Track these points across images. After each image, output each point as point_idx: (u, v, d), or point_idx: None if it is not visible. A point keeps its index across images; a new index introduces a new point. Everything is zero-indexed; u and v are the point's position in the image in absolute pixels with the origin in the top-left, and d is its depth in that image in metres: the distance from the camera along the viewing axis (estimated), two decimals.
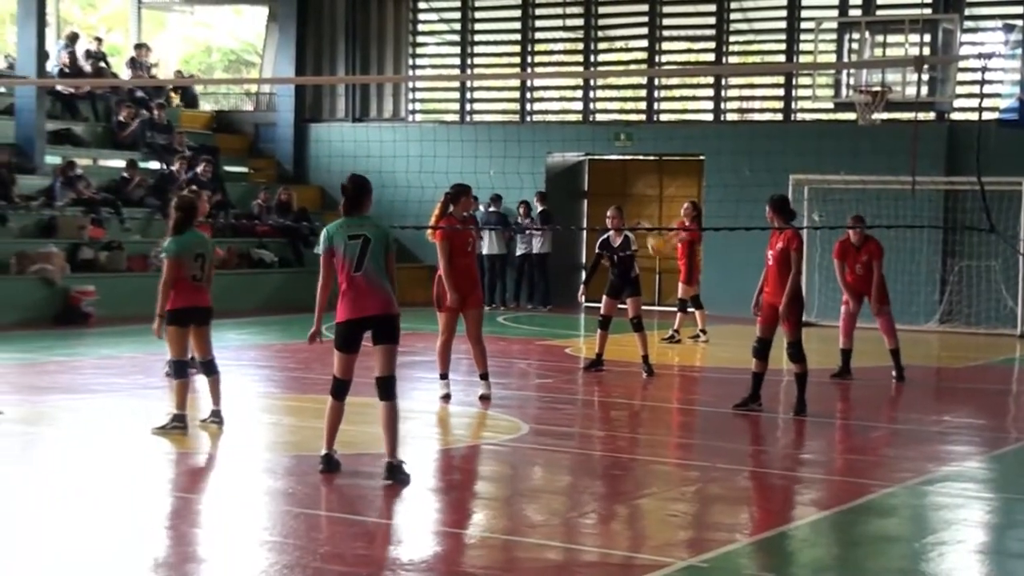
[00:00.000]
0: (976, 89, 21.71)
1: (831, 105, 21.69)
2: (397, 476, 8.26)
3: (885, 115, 19.97)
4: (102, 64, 24.55)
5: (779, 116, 23.00)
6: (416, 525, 7.59)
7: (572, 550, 7.08)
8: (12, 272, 18.57)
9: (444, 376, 11.86)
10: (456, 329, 11.78)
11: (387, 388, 8.37)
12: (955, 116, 21.31)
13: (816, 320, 19.20)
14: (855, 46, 20.82)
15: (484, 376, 11.86)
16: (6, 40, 26.06)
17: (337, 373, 8.51)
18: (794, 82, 22.77)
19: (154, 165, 23.10)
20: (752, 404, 11.45)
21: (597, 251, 14.22)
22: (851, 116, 20.79)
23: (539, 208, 23.14)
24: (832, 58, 21.05)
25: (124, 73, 25.27)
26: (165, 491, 8.37)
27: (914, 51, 19.72)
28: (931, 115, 21.09)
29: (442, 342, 11.80)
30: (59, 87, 22.78)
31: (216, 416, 10.17)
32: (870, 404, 12.89)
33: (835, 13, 21.79)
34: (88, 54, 24.36)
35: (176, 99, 26.10)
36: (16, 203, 19.64)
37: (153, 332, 10.12)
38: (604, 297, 14.04)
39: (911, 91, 19.33)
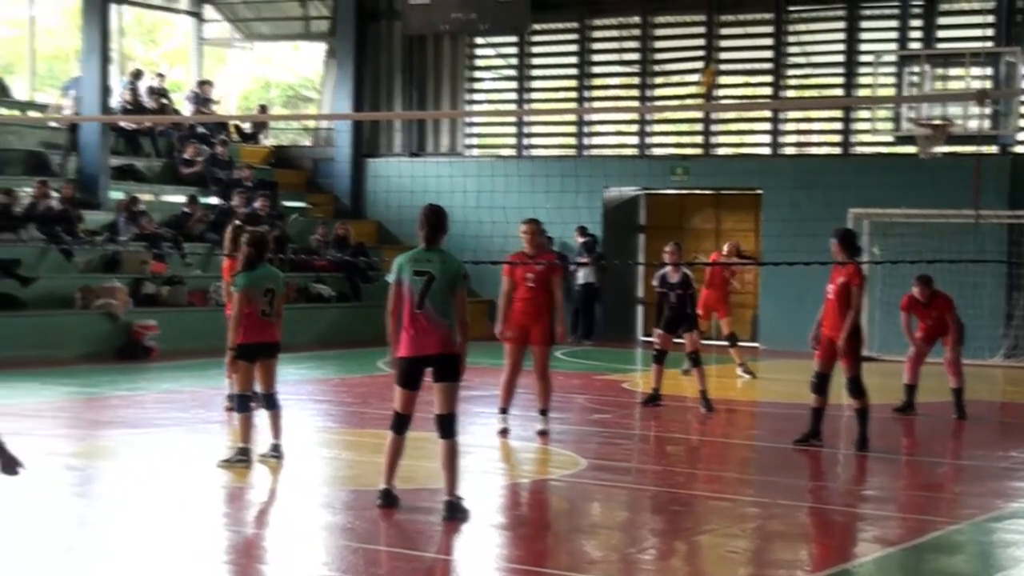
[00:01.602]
0: None
1: (891, 138, 21.54)
2: (456, 514, 8.23)
3: (947, 148, 19.82)
4: (164, 100, 24.88)
5: (838, 149, 22.87)
6: (475, 561, 7.56)
7: None
8: (77, 306, 18.80)
9: (503, 411, 11.82)
10: (521, 364, 11.74)
11: (446, 426, 8.33)
12: (1018, 149, 21.08)
13: (877, 355, 18.99)
14: (915, 79, 20.69)
15: (544, 412, 11.80)
16: (70, 77, 26.47)
17: (397, 408, 8.49)
18: (853, 115, 22.64)
19: (213, 200, 23.34)
20: (812, 440, 11.33)
21: (656, 288, 14.17)
22: (912, 149, 20.66)
23: (579, 241, 23.08)
24: (892, 91, 20.93)
25: (185, 109, 25.59)
26: (225, 525, 8.39)
27: (976, 84, 19.57)
28: (994, 148, 20.87)
29: (505, 376, 11.78)
30: (122, 123, 23.10)
31: (276, 450, 10.21)
32: (934, 440, 12.73)
33: (895, 46, 21.67)
34: (151, 90, 24.70)
35: (235, 134, 26.39)
36: (81, 238, 19.90)
37: (225, 366, 10.13)
38: (660, 331, 13.98)
39: (973, 124, 19.18)
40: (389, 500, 8.48)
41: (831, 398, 11.52)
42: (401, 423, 8.49)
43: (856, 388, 11.20)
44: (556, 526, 8.61)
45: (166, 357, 18.35)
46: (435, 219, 8.42)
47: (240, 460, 9.90)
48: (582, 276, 23.11)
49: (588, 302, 23.28)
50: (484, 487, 9.65)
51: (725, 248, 18.27)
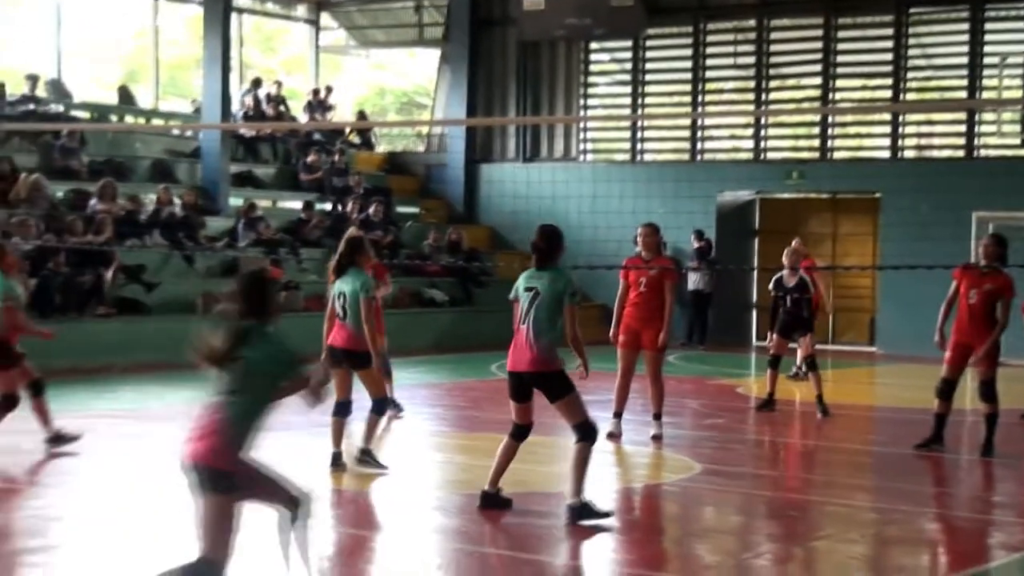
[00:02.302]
0: None
1: (1018, 141, 21.03)
2: (578, 517, 8.07)
3: None
4: (282, 107, 25.29)
5: (960, 152, 22.38)
6: (588, 565, 7.53)
7: None
8: (198, 312, 19.16)
9: (617, 415, 11.78)
10: (633, 368, 11.71)
11: (579, 431, 8.16)
12: None
13: (1004, 359, 18.50)
14: None
15: (657, 416, 11.74)
16: (192, 85, 27.07)
17: (514, 418, 8.44)
18: (977, 118, 22.14)
19: (328, 206, 23.64)
20: (934, 445, 11.09)
21: (772, 292, 14.04)
22: None
23: (695, 245, 22.86)
24: (1018, 94, 20.44)
25: (302, 116, 25.98)
26: (338, 527, 8.47)
27: None
28: None
29: (617, 380, 11.74)
30: (242, 130, 23.54)
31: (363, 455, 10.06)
32: None
33: (1021, 48, 21.14)
34: (269, 98, 25.14)
35: (354, 138, 26.72)
36: (202, 244, 20.30)
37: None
38: (775, 336, 13.82)
39: None
40: (488, 501, 8.44)
41: (954, 403, 11.26)
42: (519, 432, 8.43)
43: (990, 392, 10.90)
44: (670, 531, 8.55)
45: None
46: (544, 243, 8.45)
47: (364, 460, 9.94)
48: (693, 282, 22.91)
49: (700, 307, 23.09)
50: (597, 491, 9.60)
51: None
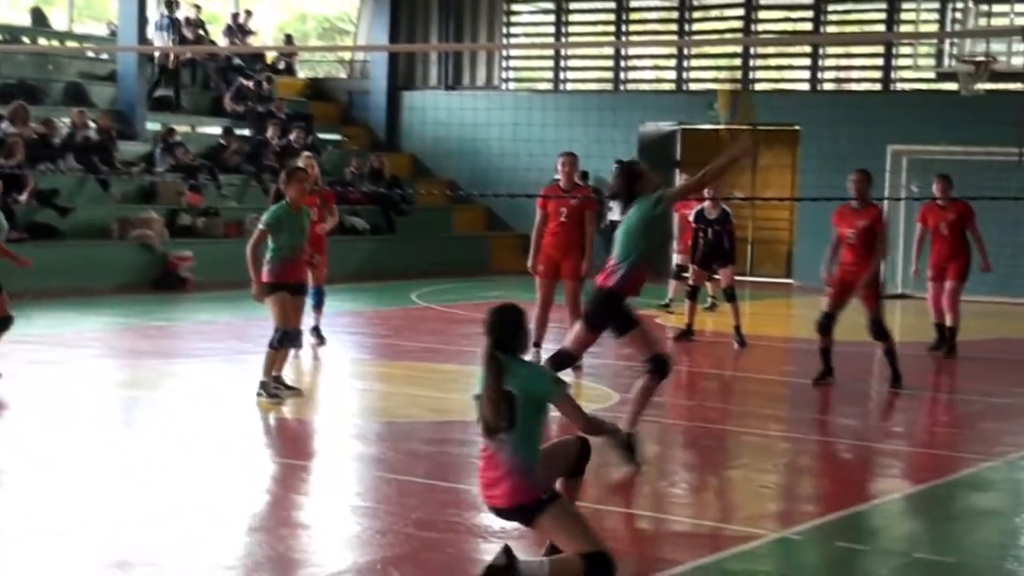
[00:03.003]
0: None
1: (933, 75, 21.25)
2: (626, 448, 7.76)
3: (989, 85, 19.53)
4: (201, 32, 24.82)
5: (878, 86, 22.59)
6: None
7: (661, 520, 7.05)
8: (114, 237, 18.91)
9: (536, 345, 11.82)
10: (552, 298, 11.73)
11: (657, 364, 7.97)
12: None
13: (912, 292, 18.87)
14: (958, 15, 20.37)
15: None
16: (108, 7, 26.46)
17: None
18: (894, 51, 22.33)
19: (247, 132, 23.34)
20: (828, 378, 11.19)
21: (693, 224, 14.14)
22: (953, 86, 20.38)
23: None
24: (935, 27, 20.62)
25: (222, 40, 25.54)
26: (260, 456, 8.47)
27: (1020, 20, 19.25)
28: None
29: (536, 311, 11.76)
30: (159, 55, 23.08)
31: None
32: (972, 378, 12.65)
33: None
34: (187, 21, 24.65)
35: (280, 64, 26.32)
36: (118, 169, 19.98)
37: None
38: (694, 267, 13.96)
39: (1017, 61, 18.88)
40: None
41: (861, 336, 11.45)
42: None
43: (879, 330, 11.05)
44: (590, 461, 8.63)
45: (201, 288, 18.47)
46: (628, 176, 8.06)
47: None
48: (614, 213, 22.91)
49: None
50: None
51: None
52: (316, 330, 12.87)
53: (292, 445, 9.01)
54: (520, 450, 5.49)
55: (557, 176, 12.00)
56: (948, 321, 13.21)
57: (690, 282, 13.99)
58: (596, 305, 8.02)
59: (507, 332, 5.56)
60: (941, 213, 13.24)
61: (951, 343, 13.15)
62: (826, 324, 11.16)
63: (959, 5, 20.35)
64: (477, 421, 5.59)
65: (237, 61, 24.83)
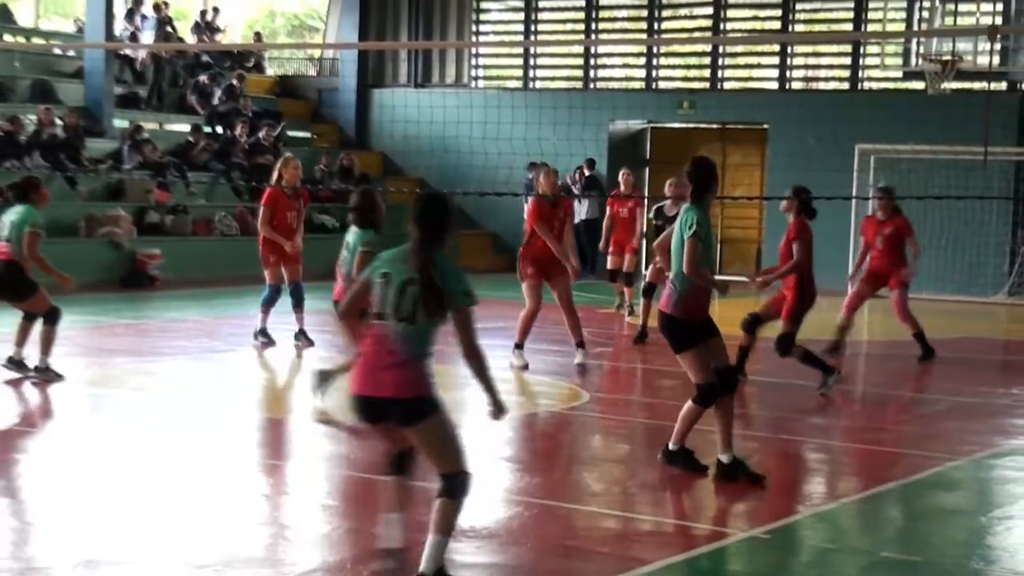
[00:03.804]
0: None
1: (900, 74, 21.39)
2: (733, 473, 7.69)
3: (956, 84, 19.68)
4: (169, 28, 24.71)
5: (846, 85, 22.72)
6: (479, 492, 7.60)
7: (631, 519, 7.08)
8: (81, 235, 18.80)
9: (519, 346, 11.85)
10: (541, 299, 11.86)
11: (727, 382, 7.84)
12: None
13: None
14: (925, 14, 20.51)
15: (580, 344, 11.96)
16: (75, 3, 26.31)
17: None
18: (862, 51, 22.47)
19: (218, 130, 23.25)
20: (740, 376, 11.01)
21: (652, 220, 14.16)
22: (920, 85, 20.53)
23: (586, 174, 22.93)
24: (902, 26, 20.76)
25: (189, 37, 25.43)
26: (230, 455, 8.45)
27: (986, 20, 19.40)
28: (1003, 85, 20.73)
29: (527, 312, 11.79)
30: (127, 51, 22.97)
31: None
32: (937, 376, 12.75)
33: None
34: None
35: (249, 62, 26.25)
36: (85, 166, 19.87)
37: None
38: (650, 266, 14.00)
39: (983, 60, 19.02)
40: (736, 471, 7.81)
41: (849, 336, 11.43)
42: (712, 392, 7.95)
43: (784, 346, 10.79)
44: (557, 459, 8.67)
45: (170, 286, 18.39)
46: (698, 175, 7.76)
47: None
48: (584, 211, 22.95)
49: (592, 236, 23.18)
50: (487, 420, 9.69)
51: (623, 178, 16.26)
52: (302, 333, 12.74)
53: (263, 444, 8.99)
54: (418, 343, 5.44)
55: (539, 188, 12.08)
56: (909, 329, 13.18)
57: (647, 279, 13.95)
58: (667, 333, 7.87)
59: (436, 221, 5.51)
60: (879, 227, 13.27)
61: (923, 345, 13.14)
62: (749, 323, 11.14)
63: (926, 4, 20.50)
64: (380, 304, 5.45)
65: (205, 58, 24.72)
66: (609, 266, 16.49)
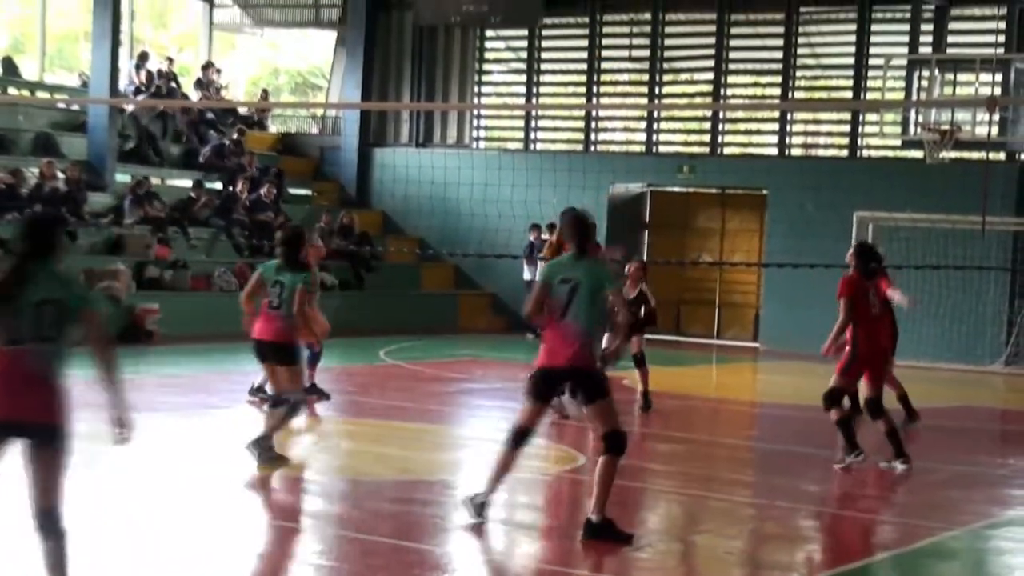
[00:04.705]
0: None
1: (899, 143, 21.52)
2: (598, 535, 7.63)
3: (954, 154, 19.79)
4: (173, 84, 24.88)
5: (845, 152, 22.84)
6: (471, 555, 7.56)
7: None
8: None
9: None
10: None
11: (608, 442, 7.68)
12: None
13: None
14: (924, 83, 20.67)
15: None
16: (80, 58, 26.50)
17: (523, 422, 7.90)
18: (861, 118, 22.61)
19: (218, 185, 23.34)
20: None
21: None
22: (919, 154, 20.63)
23: (544, 238, 22.42)
24: (901, 95, 20.91)
25: (192, 93, 25.59)
26: (222, 513, 8.40)
27: (985, 90, 19.54)
28: (1002, 155, 20.85)
29: None
30: (131, 106, 23.11)
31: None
32: (935, 445, 12.70)
33: (904, 50, 21.64)
34: (160, 74, 24.71)
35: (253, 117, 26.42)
36: (86, 220, 19.91)
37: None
38: (632, 337, 13.76)
39: (981, 130, 19.14)
40: (481, 512, 7.92)
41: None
42: (523, 436, 7.90)
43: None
44: (553, 523, 8.62)
45: (167, 341, 18.36)
46: (583, 230, 7.84)
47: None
48: (529, 274, 22.12)
49: None
50: (483, 480, 9.65)
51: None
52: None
53: (255, 502, 8.94)
54: (60, 362, 5.67)
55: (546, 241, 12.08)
56: (895, 393, 13.14)
57: (632, 351, 13.75)
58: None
59: (41, 239, 5.58)
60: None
61: (907, 408, 13.11)
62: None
63: (925, 74, 20.66)
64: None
65: (210, 115, 24.87)
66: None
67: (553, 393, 8.08)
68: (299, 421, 12.10)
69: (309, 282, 9.86)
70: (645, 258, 23.57)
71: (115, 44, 21.89)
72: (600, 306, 7.68)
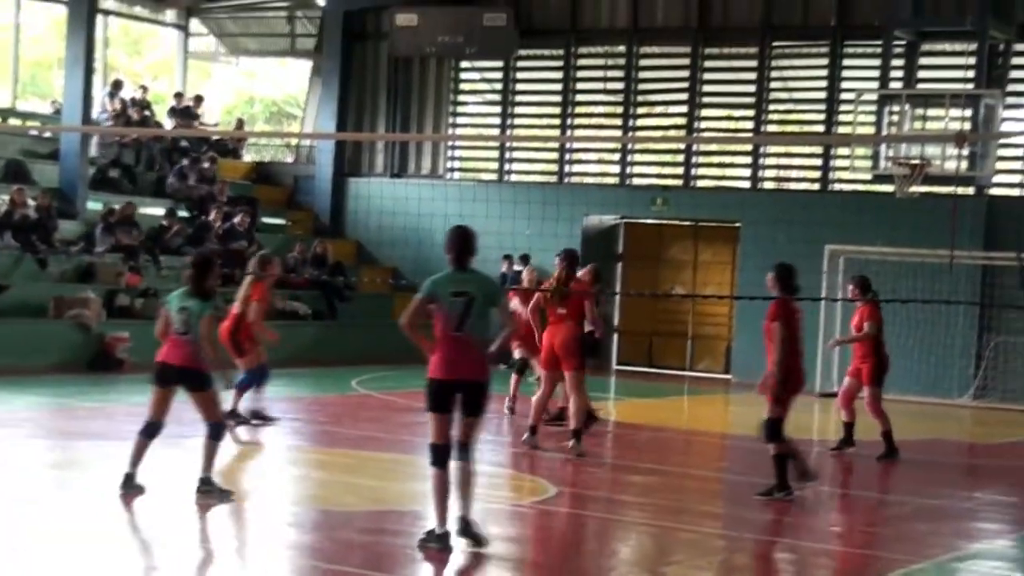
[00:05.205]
0: (1018, 165, 21.69)
1: (869, 177, 21.69)
2: (468, 531, 8.00)
3: (923, 188, 19.96)
4: (147, 112, 24.87)
5: (816, 186, 23.00)
6: None
7: None
8: (49, 316, 18.73)
9: (534, 430, 12.46)
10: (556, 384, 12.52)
11: (463, 451, 7.99)
12: (995, 191, 21.26)
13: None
14: (895, 118, 20.85)
15: (577, 433, 12.36)
16: (53, 85, 26.46)
17: (433, 438, 8.04)
18: (832, 152, 22.79)
19: (190, 214, 23.29)
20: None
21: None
22: (889, 188, 20.81)
23: (517, 268, 22.46)
24: (871, 130, 21.09)
25: (166, 122, 25.57)
26: (192, 543, 8.37)
27: (955, 125, 19.73)
28: (970, 190, 21.04)
29: (542, 395, 12.58)
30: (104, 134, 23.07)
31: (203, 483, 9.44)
32: (903, 478, 12.77)
33: (875, 85, 21.83)
34: (133, 102, 24.69)
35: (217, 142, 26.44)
36: (56, 248, 19.84)
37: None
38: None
39: (951, 165, 19.32)
40: (445, 542, 7.98)
41: (805, 434, 11.46)
42: (440, 455, 8.02)
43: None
44: (523, 554, 8.62)
45: (137, 369, 18.24)
46: (467, 245, 8.21)
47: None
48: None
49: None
50: (453, 512, 9.64)
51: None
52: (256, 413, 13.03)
53: (226, 533, 8.91)
54: None
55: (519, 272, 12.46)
56: (879, 426, 13.24)
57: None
58: None
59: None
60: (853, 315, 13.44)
61: (889, 444, 13.18)
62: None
63: (895, 109, 20.84)
64: None
65: (184, 143, 24.85)
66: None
67: (450, 403, 8.01)
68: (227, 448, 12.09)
69: (219, 307, 9.99)
70: (619, 289, 23.71)
71: (88, 71, 21.87)
72: (488, 319, 8.11)
